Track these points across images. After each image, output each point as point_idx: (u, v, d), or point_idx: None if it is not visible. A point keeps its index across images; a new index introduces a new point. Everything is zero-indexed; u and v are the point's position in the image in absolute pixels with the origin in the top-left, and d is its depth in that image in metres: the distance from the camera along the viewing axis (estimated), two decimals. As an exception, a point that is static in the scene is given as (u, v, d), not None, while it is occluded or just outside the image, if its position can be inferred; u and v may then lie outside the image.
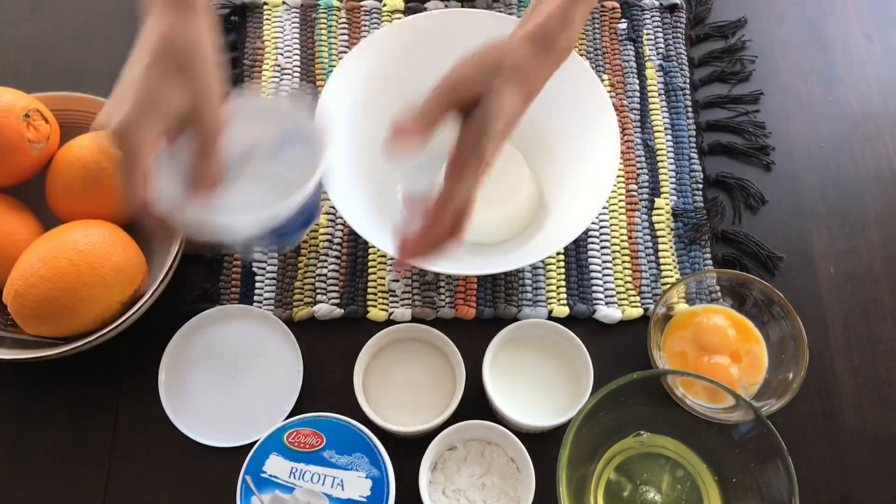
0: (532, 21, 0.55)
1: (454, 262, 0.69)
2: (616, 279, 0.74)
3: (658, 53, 0.84)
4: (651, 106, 0.81)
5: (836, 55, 0.84)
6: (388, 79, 0.72)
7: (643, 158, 0.79)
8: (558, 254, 0.75)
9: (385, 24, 0.85)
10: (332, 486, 0.57)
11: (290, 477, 0.57)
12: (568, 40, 0.55)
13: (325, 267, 0.74)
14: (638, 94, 0.82)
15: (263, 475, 0.57)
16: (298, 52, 0.83)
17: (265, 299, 0.73)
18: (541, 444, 0.66)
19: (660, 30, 0.85)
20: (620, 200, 0.77)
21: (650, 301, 0.73)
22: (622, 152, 0.79)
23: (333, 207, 0.76)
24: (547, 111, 0.72)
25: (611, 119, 0.69)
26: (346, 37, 0.84)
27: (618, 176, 0.78)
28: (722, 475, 0.63)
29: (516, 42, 0.54)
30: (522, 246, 0.71)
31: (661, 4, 0.86)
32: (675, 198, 0.77)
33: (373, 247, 0.75)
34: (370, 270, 0.74)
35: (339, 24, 0.85)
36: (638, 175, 0.78)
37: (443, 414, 0.64)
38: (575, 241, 0.74)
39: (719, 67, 0.83)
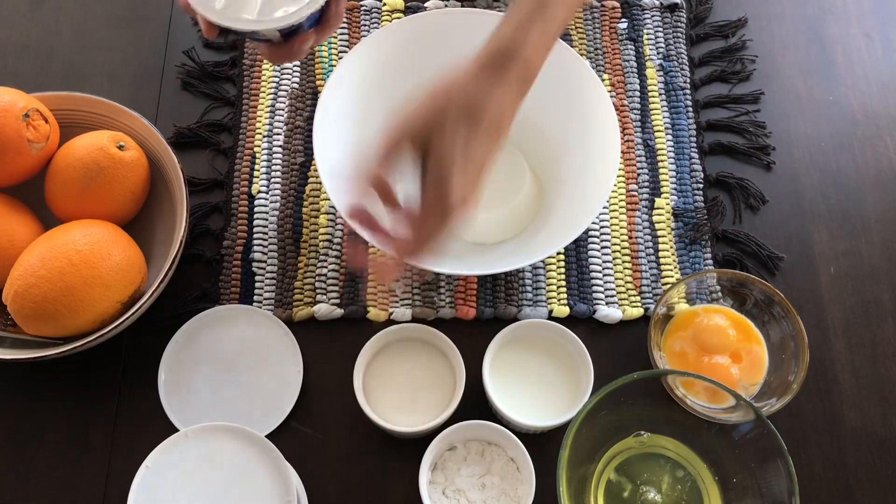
0: (486, 44, 0.52)
1: (454, 262, 0.69)
2: (616, 279, 0.74)
3: (658, 53, 0.84)
4: (651, 106, 0.81)
5: (836, 55, 0.84)
6: (388, 78, 0.72)
7: (643, 158, 0.79)
8: (558, 254, 0.75)
9: (385, 23, 0.85)
10: None
11: None
12: (525, 65, 0.52)
13: (325, 267, 0.74)
14: (638, 93, 0.81)
15: None
16: (298, 51, 0.83)
17: (265, 299, 0.73)
18: (541, 444, 0.66)
19: (660, 29, 0.85)
20: (620, 200, 0.77)
21: (650, 301, 0.73)
22: (622, 152, 0.79)
23: (333, 207, 0.76)
24: (547, 111, 0.72)
25: (611, 119, 0.69)
26: (346, 37, 0.84)
27: (618, 176, 0.78)
28: (722, 475, 0.63)
29: (467, 73, 0.51)
30: (522, 246, 0.71)
31: (661, 4, 0.86)
32: (675, 198, 0.77)
33: (373, 247, 0.75)
34: (370, 270, 0.74)
35: (339, 23, 0.85)
36: (638, 175, 0.78)
37: (443, 414, 0.64)
38: (575, 241, 0.74)
39: (719, 67, 0.83)
